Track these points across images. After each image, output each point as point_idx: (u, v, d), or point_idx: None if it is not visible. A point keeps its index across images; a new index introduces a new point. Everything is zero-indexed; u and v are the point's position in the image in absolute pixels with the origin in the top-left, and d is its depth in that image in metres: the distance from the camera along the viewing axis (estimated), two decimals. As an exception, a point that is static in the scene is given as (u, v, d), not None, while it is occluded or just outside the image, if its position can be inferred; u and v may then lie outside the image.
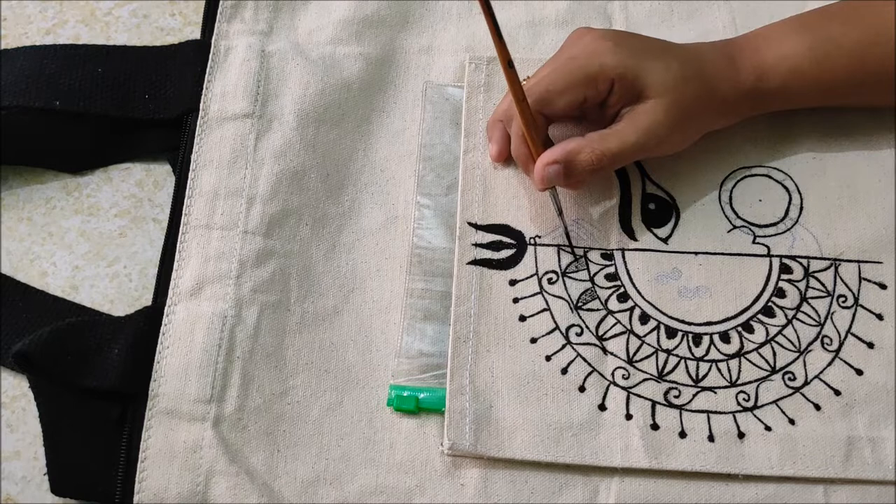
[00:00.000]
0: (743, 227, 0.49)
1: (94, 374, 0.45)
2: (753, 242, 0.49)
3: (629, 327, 0.47)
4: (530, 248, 0.49)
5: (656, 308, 0.47)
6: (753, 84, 0.47)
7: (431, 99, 0.53)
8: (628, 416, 0.45)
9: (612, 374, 0.46)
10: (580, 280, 0.48)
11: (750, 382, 0.46)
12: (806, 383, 0.45)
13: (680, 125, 0.46)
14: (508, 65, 0.44)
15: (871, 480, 0.43)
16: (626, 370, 0.46)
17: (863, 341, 0.46)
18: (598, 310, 0.47)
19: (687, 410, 0.45)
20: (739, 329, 0.47)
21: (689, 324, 0.47)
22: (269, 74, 0.53)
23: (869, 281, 0.48)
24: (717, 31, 0.55)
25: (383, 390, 0.46)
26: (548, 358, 0.46)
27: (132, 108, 0.52)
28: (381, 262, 0.49)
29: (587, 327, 0.47)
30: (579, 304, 0.47)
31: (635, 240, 0.49)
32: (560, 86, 0.46)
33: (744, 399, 0.45)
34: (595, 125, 0.47)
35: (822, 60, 0.46)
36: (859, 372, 0.46)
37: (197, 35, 0.56)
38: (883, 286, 0.47)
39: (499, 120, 0.50)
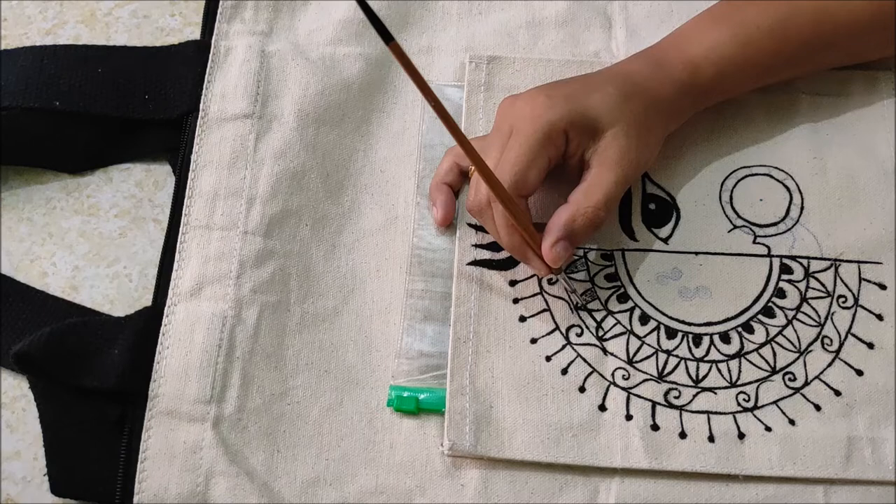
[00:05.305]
0: (743, 226, 0.49)
1: (94, 375, 0.45)
2: (754, 242, 0.49)
3: (629, 328, 0.47)
4: (530, 249, 0.49)
5: (656, 308, 0.47)
6: (689, 80, 0.47)
7: (431, 99, 0.53)
8: (628, 417, 0.45)
9: (612, 375, 0.46)
10: (580, 280, 0.48)
11: (750, 383, 0.46)
12: (806, 384, 0.45)
13: (644, 141, 0.45)
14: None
15: (871, 481, 0.43)
16: (626, 370, 0.46)
17: (863, 342, 0.46)
18: (598, 310, 0.47)
19: (687, 411, 0.45)
20: (739, 329, 0.47)
21: (690, 324, 0.47)
22: (269, 75, 0.53)
23: (869, 281, 0.48)
24: (718, 31, 0.55)
25: (383, 391, 0.46)
26: (548, 358, 0.46)
27: (132, 108, 0.52)
28: (380, 262, 0.49)
29: (587, 328, 0.47)
30: (579, 304, 0.47)
31: (635, 240, 0.49)
32: (524, 162, 0.44)
33: (744, 399, 0.45)
34: (566, 182, 0.46)
35: (746, 44, 0.47)
36: (859, 372, 0.46)
37: (197, 35, 0.56)
38: (883, 286, 0.47)
39: (444, 183, 0.49)
